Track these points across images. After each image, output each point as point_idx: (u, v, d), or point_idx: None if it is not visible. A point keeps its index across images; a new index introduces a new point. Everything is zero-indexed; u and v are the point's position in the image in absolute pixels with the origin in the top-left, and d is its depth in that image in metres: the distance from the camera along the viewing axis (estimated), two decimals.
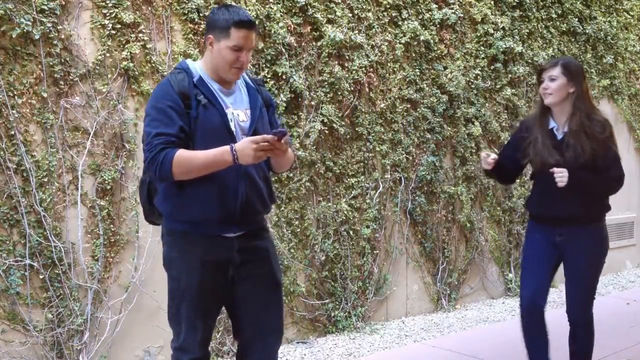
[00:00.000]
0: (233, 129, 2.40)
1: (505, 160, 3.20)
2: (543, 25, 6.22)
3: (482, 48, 5.65)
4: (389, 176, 5.00)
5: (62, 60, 3.51)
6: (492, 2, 5.73)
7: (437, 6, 5.31)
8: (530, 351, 3.28)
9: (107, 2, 3.64)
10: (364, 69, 4.80)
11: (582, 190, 3.01)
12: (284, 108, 4.32)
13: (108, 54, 3.66)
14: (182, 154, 2.28)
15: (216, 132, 2.36)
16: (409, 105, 5.14)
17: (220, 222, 2.40)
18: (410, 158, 5.14)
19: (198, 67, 2.46)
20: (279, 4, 4.34)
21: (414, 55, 5.17)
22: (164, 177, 2.32)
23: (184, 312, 2.42)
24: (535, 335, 3.25)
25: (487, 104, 5.70)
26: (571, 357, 3.31)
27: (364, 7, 4.83)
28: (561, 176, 2.92)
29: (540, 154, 3.07)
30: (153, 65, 3.83)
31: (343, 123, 4.69)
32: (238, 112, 2.45)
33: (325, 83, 4.60)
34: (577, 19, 6.50)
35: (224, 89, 2.46)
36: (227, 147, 2.27)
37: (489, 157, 3.08)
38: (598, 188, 3.11)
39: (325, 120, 4.56)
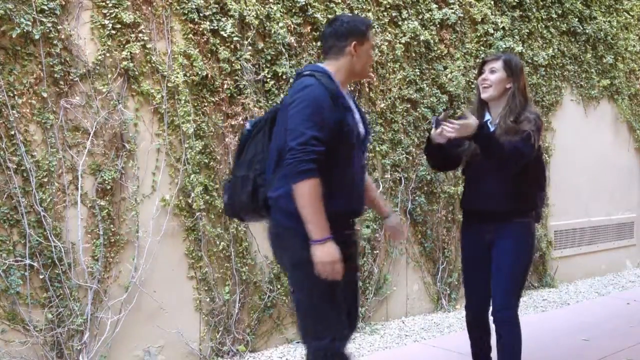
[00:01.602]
0: (361, 131, 2.63)
1: (447, 144, 3.14)
2: (543, 25, 6.22)
3: (482, 48, 5.65)
4: (389, 176, 5.00)
5: (62, 60, 3.51)
6: (492, 2, 5.73)
7: (437, 6, 5.31)
8: (473, 346, 3.47)
9: (107, 2, 3.64)
10: None
11: (488, 149, 3.00)
12: None
13: (108, 54, 3.66)
14: (314, 188, 2.40)
15: (356, 135, 2.58)
16: (409, 105, 5.14)
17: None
18: (410, 158, 5.15)
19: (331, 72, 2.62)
20: (279, 4, 4.34)
21: (414, 55, 5.17)
22: (291, 183, 2.42)
23: (333, 304, 2.52)
24: (478, 336, 3.43)
25: None
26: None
27: (364, 7, 4.83)
28: (453, 126, 2.92)
29: (471, 143, 3.12)
30: (153, 65, 3.83)
31: None
32: (357, 116, 2.66)
33: None
34: (577, 19, 6.50)
35: (347, 95, 2.66)
36: (328, 232, 2.41)
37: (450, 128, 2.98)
38: (506, 147, 3.00)
39: None
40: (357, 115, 2.64)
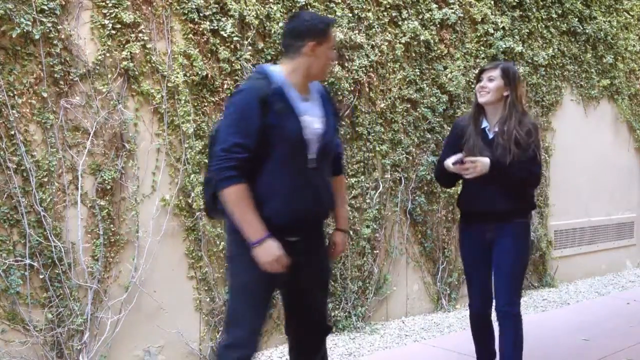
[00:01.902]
0: (306, 137, 2.49)
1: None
2: (543, 25, 6.22)
3: (482, 48, 5.65)
4: (389, 176, 5.00)
5: (62, 60, 3.51)
6: (492, 2, 5.73)
7: (437, 6, 5.31)
8: (477, 344, 3.50)
9: (107, 2, 3.64)
10: (364, 69, 4.80)
11: (503, 178, 3.13)
12: None
13: (108, 54, 3.66)
14: (238, 193, 2.40)
15: (291, 140, 2.47)
16: (409, 105, 5.14)
17: None
18: (410, 158, 5.15)
19: (278, 73, 2.53)
20: (279, 4, 4.34)
21: (414, 55, 5.17)
22: (218, 189, 2.44)
23: (249, 304, 2.55)
24: (482, 334, 3.46)
25: None
26: (501, 355, 3.29)
27: (364, 7, 4.83)
28: (473, 166, 3.08)
29: (472, 151, 3.18)
30: (153, 65, 3.83)
31: (343, 123, 4.69)
32: (313, 119, 2.54)
33: (325, 83, 4.60)
34: (577, 19, 6.50)
35: (302, 97, 2.55)
36: (263, 232, 2.41)
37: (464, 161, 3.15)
38: (519, 173, 3.15)
39: None
40: (309, 117, 2.53)
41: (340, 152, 2.87)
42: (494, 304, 3.32)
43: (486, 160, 3.09)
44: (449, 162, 3.14)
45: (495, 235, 3.24)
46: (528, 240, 3.35)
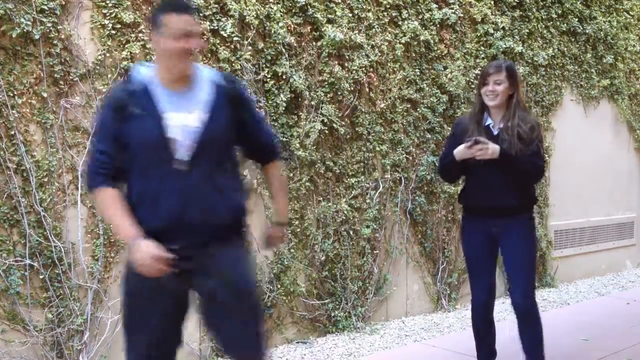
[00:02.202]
0: (170, 135, 2.25)
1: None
2: (543, 25, 6.22)
3: (482, 48, 5.65)
4: (389, 176, 5.00)
5: (62, 60, 3.51)
6: (492, 2, 5.73)
7: (437, 6, 5.31)
8: (478, 342, 3.55)
9: (107, 2, 3.64)
10: (364, 69, 4.80)
11: (509, 168, 3.21)
12: (284, 108, 4.32)
13: (108, 54, 3.66)
14: (105, 197, 2.29)
15: (151, 143, 2.25)
16: (409, 105, 5.14)
17: None
18: (410, 158, 5.14)
19: (145, 71, 2.35)
20: (279, 4, 4.34)
21: (414, 55, 5.17)
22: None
23: (131, 322, 2.40)
24: (484, 329, 3.52)
25: None
26: (525, 351, 3.37)
27: (364, 7, 4.83)
28: (485, 147, 3.15)
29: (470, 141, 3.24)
30: None
31: (343, 123, 4.69)
32: (185, 116, 2.28)
33: (325, 83, 4.60)
34: (577, 19, 6.50)
35: (173, 92, 2.30)
36: (133, 234, 2.21)
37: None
38: (524, 165, 3.24)
39: (325, 120, 4.56)
40: (177, 113, 2.28)
41: (267, 142, 2.57)
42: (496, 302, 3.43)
43: (497, 146, 3.17)
44: (461, 147, 3.21)
45: (503, 230, 3.31)
46: (535, 234, 3.46)
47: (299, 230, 4.49)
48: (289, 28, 4.39)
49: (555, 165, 6.34)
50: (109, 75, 3.66)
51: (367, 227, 4.84)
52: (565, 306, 5.60)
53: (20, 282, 3.38)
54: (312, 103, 4.52)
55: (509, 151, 3.19)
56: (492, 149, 3.15)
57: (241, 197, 2.42)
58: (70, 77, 3.55)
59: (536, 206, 6.09)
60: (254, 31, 4.20)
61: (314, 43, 4.55)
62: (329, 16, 4.60)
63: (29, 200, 3.42)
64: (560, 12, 6.35)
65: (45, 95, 3.45)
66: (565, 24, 6.41)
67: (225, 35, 4.05)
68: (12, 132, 3.36)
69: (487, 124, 3.34)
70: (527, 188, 3.37)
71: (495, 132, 3.30)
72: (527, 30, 6.04)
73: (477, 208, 3.39)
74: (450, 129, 5.28)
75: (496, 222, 3.32)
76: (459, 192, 3.57)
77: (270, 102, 4.29)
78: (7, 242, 3.37)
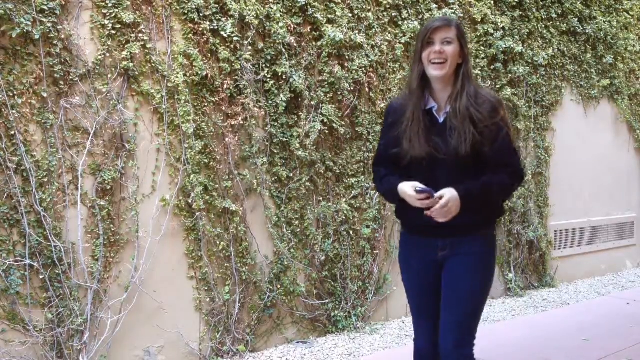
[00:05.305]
0: None
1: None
2: (543, 25, 6.22)
3: (482, 48, 5.65)
4: None
5: (62, 60, 3.51)
6: (492, 2, 5.73)
7: (437, 6, 5.31)
8: None
9: (107, 2, 3.65)
10: (364, 69, 4.80)
11: (479, 203, 2.37)
12: (284, 108, 4.32)
13: (108, 54, 3.66)
14: None
15: None
16: None
17: None
18: None
19: None
20: (279, 4, 4.34)
21: (414, 55, 5.16)
22: None
23: None
24: None
25: None
26: None
27: (364, 7, 4.83)
28: (446, 209, 2.28)
29: (415, 143, 2.39)
30: (153, 65, 3.83)
31: (343, 123, 4.69)
32: None
33: (325, 83, 4.60)
34: (577, 19, 6.50)
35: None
36: None
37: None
38: (500, 192, 2.44)
39: (325, 120, 4.57)
40: None
41: None
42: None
43: (454, 195, 2.30)
44: (408, 189, 2.35)
45: (450, 254, 2.44)
46: (493, 259, 2.52)
47: (299, 230, 4.49)
48: (289, 28, 4.39)
49: (555, 165, 6.34)
50: (109, 76, 3.66)
51: (367, 227, 4.84)
52: (565, 306, 5.60)
53: (20, 282, 3.38)
54: (312, 103, 4.52)
55: (460, 150, 2.32)
56: (455, 207, 2.29)
57: None
58: (70, 77, 3.55)
59: (536, 206, 6.11)
60: (254, 31, 4.21)
61: (314, 43, 4.55)
62: (329, 16, 4.60)
63: (29, 200, 3.42)
64: (560, 12, 6.35)
65: (45, 95, 3.45)
66: (565, 24, 6.41)
67: (225, 35, 4.05)
68: (12, 132, 3.36)
69: (429, 107, 2.45)
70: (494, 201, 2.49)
71: (441, 119, 2.43)
72: (527, 30, 6.04)
73: (418, 226, 2.49)
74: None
75: (443, 243, 2.44)
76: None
77: (270, 102, 4.29)
78: (7, 242, 3.37)
